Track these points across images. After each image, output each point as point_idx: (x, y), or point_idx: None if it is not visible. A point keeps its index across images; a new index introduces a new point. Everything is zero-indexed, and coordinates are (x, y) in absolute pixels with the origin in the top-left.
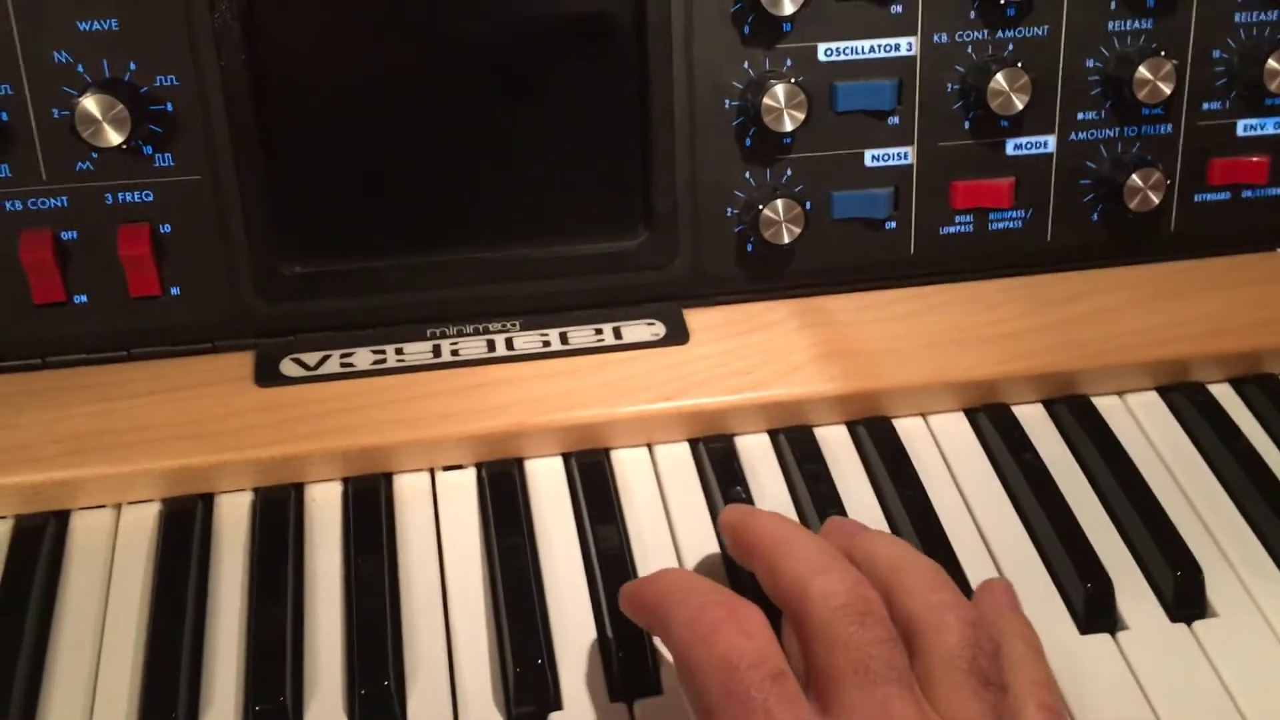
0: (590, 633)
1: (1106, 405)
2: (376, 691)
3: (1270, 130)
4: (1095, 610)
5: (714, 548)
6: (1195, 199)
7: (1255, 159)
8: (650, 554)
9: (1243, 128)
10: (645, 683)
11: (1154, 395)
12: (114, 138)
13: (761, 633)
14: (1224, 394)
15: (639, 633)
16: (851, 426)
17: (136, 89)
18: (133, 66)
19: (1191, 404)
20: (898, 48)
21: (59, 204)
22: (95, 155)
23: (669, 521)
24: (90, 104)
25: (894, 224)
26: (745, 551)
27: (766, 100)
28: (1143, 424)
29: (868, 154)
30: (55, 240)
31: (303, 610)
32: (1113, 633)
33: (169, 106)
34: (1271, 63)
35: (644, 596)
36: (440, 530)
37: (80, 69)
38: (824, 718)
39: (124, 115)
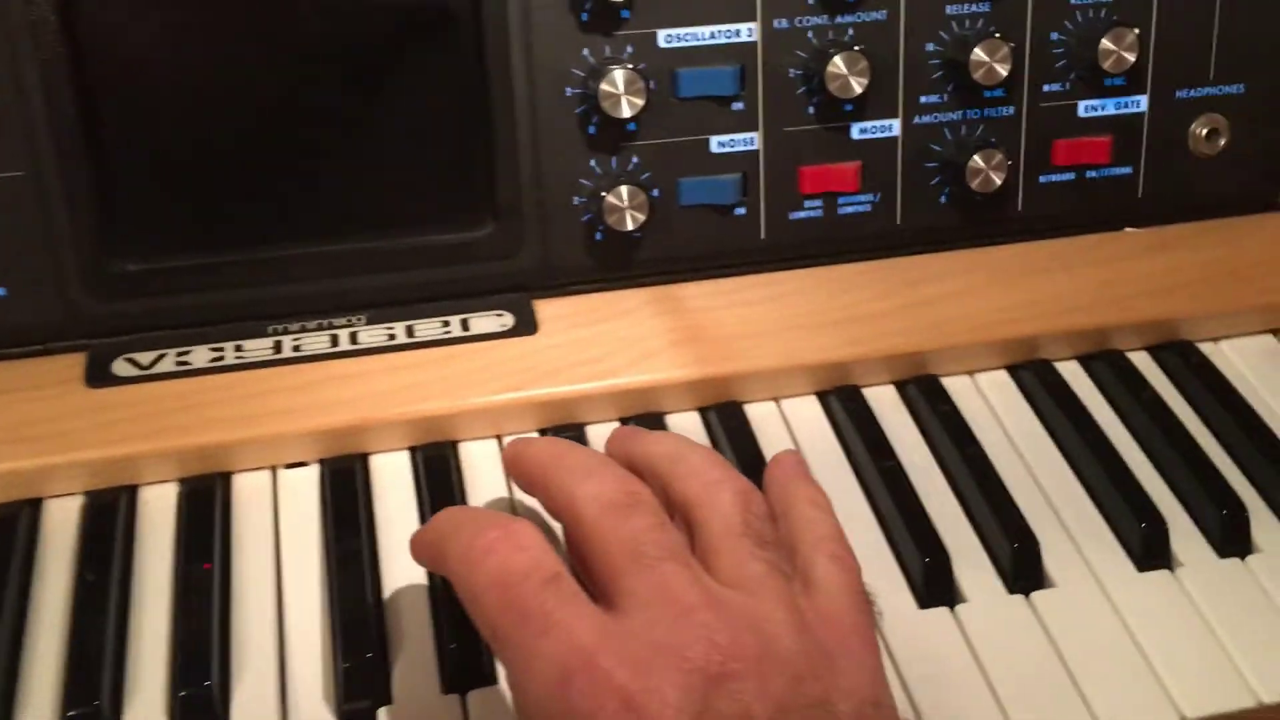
0: (427, 628)
1: (957, 385)
2: (197, 692)
3: (1110, 111)
4: (933, 583)
5: (558, 538)
6: (1040, 180)
7: (1097, 139)
8: None
9: (1083, 109)
10: (478, 673)
11: (1004, 374)
12: None
13: (535, 544)
14: (1072, 371)
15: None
16: (703, 412)
17: None
18: None
19: (1039, 382)
20: (738, 33)
21: None
22: None
23: (512, 511)
24: None
25: (743, 210)
26: (526, 480)
27: (604, 86)
28: (991, 402)
29: (713, 140)
30: None
31: (128, 615)
32: (951, 606)
33: None
34: (1105, 43)
35: (425, 538)
36: (279, 529)
37: None
38: (607, 611)
39: None
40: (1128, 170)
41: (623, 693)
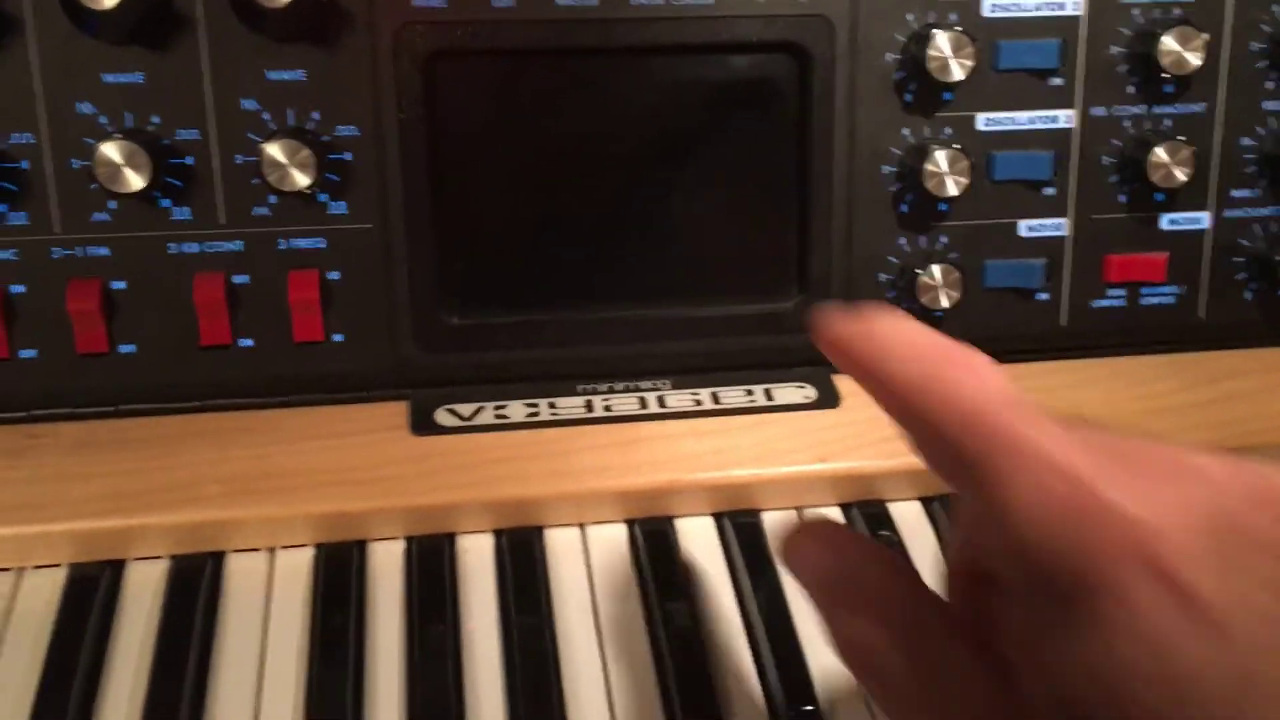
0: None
1: None
2: None
3: None
4: None
5: None
6: None
7: None
8: (807, 617)
9: None
10: None
11: None
12: (300, 181)
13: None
14: None
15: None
16: None
17: (319, 137)
18: (316, 116)
19: None
20: (1056, 119)
21: (235, 248)
22: (274, 200)
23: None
24: (276, 150)
25: (1046, 295)
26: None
27: (928, 166)
28: None
29: (1022, 224)
30: (227, 283)
31: (461, 664)
32: None
33: (348, 155)
34: None
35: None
36: (594, 586)
37: (266, 117)
38: None
39: (309, 160)
40: None
41: None
